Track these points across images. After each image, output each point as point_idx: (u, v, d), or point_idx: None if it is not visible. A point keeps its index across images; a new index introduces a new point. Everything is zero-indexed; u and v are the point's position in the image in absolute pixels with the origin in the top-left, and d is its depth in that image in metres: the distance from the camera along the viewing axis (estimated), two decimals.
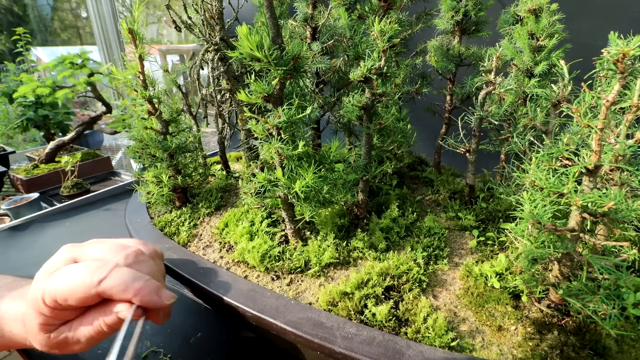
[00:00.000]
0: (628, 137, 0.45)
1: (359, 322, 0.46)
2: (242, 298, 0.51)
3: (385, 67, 0.54)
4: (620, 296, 0.42)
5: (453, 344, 0.42)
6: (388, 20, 0.52)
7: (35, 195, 1.22)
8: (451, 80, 0.75)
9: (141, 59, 0.65)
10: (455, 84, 0.74)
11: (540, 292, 0.43)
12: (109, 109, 1.52)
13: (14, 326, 0.48)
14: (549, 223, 0.39)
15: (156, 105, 0.69)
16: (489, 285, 0.49)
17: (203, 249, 0.64)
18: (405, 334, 0.44)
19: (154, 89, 0.68)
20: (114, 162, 1.72)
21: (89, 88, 1.45)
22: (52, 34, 3.02)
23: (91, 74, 1.44)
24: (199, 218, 0.72)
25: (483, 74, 0.59)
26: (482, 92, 0.60)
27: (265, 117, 0.48)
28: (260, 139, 0.51)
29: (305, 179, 0.49)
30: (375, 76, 0.54)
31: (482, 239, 0.58)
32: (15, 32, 1.96)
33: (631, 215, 0.38)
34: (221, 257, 0.61)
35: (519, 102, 0.61)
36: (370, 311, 0.46)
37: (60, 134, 1.73)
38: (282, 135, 0.48)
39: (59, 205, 1.19)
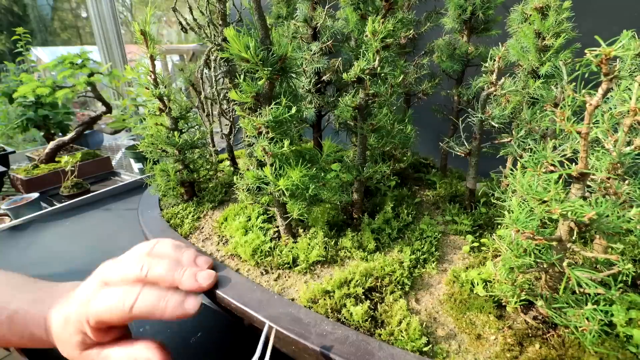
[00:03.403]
0: (629, 143, 0.42)
1: (335, 320, 0.46)
2: (229, 290, 0.53)
3: (379, 68, 0.53)
4: (609, 312, 0.40)
5: (425, 348, 0.41)
6: (381, 20, 0.51)
7: (35, 195, 1.21)
8: (458, 81, 0.73)
9: (152, 58, 0.69)
10: (463, 84, 0.72)
11: (516, 302, 0.42)
12: (109, 109, 1.53)
13: (35, 329, 0.53)
14: (528, 231, 0.37)
15: (166, 103, 0.72)
16: (474, 292, 0.48)
17: (202, 241, 0.67)
18: (380, 335, 0.44)
19: (165, 87, 0.72)
20: (114, 162, 1.72)
21: (89, 88, 1.46)
22: (52, 34, 3.01)
23: (91, 74, 1.44)
24: (203, 211, 0.75)
25: (484, 75, 0.57)
26: (483, 94, 0.59)
27: (254, 115, 0.49)
28: (250, 137, 0.52)
29: (291, 177, 0.50)
30: (367, 77, 0.54)
31: (476, 244, 0.57)
32: (15, 32, 1.93)
33: (620, 226, 0.36)
34: (217, 250, 0.64)
35: (524, 104, 0.58)
36: (348, 310, 0.46)
37: (60, 134, 1.71)
38: (270, 134, 0.50)
39: (59, 205, 1.18)
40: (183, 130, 0.77)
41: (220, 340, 0.64)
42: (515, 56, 0.59)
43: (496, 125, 0.57)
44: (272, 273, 0.56)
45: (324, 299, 0.48)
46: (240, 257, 0.60)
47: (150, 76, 0.70)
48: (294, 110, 0.47)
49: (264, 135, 0.50)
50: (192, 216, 0.73)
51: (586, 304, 0.40)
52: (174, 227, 0.72)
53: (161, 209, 0.80)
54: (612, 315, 0.40)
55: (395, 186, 0.71)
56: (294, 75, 0.50)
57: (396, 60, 0.56)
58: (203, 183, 0.83)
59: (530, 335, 0.43)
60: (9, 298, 0.54)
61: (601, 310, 0.39)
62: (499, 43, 0.59)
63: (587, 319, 0.37)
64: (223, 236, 0.66)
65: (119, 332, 0.53)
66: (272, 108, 0.48)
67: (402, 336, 0.42)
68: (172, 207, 0.79)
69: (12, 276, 0.59)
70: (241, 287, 0.54)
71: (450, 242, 0.60)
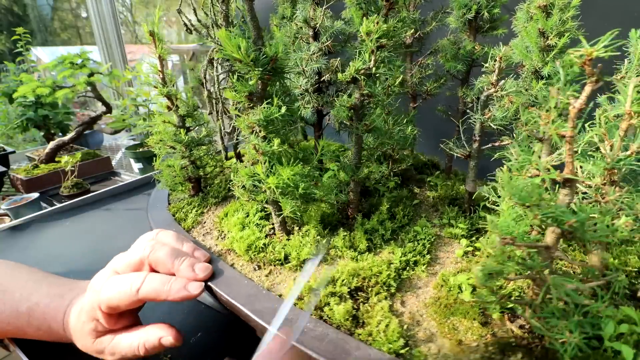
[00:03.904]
0: (627, 148, 0.40)
1: (318, 318, 0.47)
2: (221, 283, 0.55)
3: (374, 68, 0.53)
4: (597, 325, 0.38)
5: (403, 351, 0.41)
6: (376, 20, 0.51)
7: (35, 195, 1.21)
8: (463, 81, 0.71)
9: (161, 58, 0.72)
10: (467, 85, 0.71)
11: (495, 309, 0.41)
12: (109, 109, 1.53)
13: (52, 323, 0.55)
14: (508, 236, 0.36)
15: (174, 101, 0.75)
16: (461, 297, 0.47)
17: (203, 235, 0.69)
18: (359, 335, 0.44)
19: (173, 86, 0.75)
20: (114, 162, 1.72)
21: (89, 88, 1.46)
22: (52, 34, 2.95)
23: (91, 74, 1.44)
24: (207, 207, 0.77)
25: (483, 76, 0.56)
26: (483, 95, 0.57)
27: (246, 114, 0.51)
28: (245, 135, 0.54)
29: (281, 175, 0.51)
30: (362, 77, 0.54)
31: (470, 249, 0.55)
32: (15, 32, 1.92)
33: (606, 235, 0.34)
34: (216, 245, 0.66)
35: (520, 106, 0.56)
36: (331, 309, 0.47)
37: (60, 134, 1.70)
38: (262, 132, 0.51)
39: (59, 205, 1.17)
40: (190, 128, 0.80)
41: (220, 340, 0.64)
42: (519, 56, 0.57)
43: (495, 127, 0.55)
44: (264, 269, 0.57)
45: (310, 296, 0.49)
46: (236, 252, 0.62)
47: (159, 75, 0.73)
48: (283, 109, 0.48)
49: (255, 133, 0.51)
50: (196, 211, 0.76)
51: (573, 315, 0.38)
52: (178, 220, 0.75)
53: (169, 203, 0.84)
54: (599, 328, 0.38)
55: (395, 187, 0.71)
56: (286, 75, 0.51)
57: (393, 60, 0.56)
58: (209, 179, 0.86)
59: (514, 344, 0.41)
60: (31, 291, 0.57)
61: (589, 323, 0.37)
62: (500, 43, 0.58)
63: (569, 330, 0.35)
64: (222, 231, 0.68)
65: (129, 320, 0.55)
66: (264, 107, 0.49)
67: (380, 337, 0.42)
68: (179, 201, 0.82)
69: (34, 271, 0.62)
70: (232, 281, 0.55)
71: (444, 246, 0.59)
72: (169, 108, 0.76)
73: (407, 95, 0.82)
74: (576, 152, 0.41)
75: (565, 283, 0.35)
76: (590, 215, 0.38)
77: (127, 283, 0.50)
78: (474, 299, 0.45)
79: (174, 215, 0.77)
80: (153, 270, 0.54)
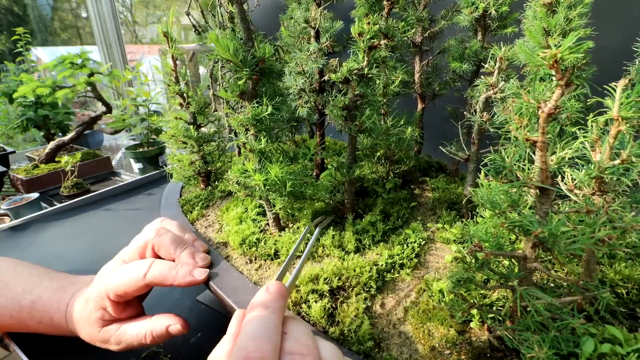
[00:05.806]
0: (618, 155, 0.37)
1: (295, 314, 0.48)
2: (213, 274, 0.57)
3: (366, 69, 0.53)
4: (577, 342, 0.36)
5: (372, 352, 0.41)
6: (368, 20, 0.51)
7: (35, 195, 1.21)
8: (470, 82, 0.69)
9: (174, 58, 0.76)
10: (474, 86, 0.68)
11: (460, 318, 0.39)
12: (109, 109, 1.53)
13: (55, 315, 0.56)
14: (476, 243, 0.35)
15: (186, 99, 0.79)
16: (441, 303, 0.46)
17: (205, 227, 0.72)
18: (332, 333, 0.44)
19: (185, 84, 0.79)
20: (114, 162, 1.71)
21: (89, 88, 1.45)
22: (52, 34, 2.90)
23: (91, 74, 1.44)
24: (212, 200, 0.81)
25: (482, 77, 0.54)
26: (482, 96, 0.55)
27: (237, 112, 0.52)
28: (237, 133, 0.56)
29: (270, 172, 0.52)
30: (354, 77, 0.54)
31: (460, 255, 0.54)
32: (15, 32, 1.91)
33: (579, 248, 0.32)
34: (215, 237, 0.68)
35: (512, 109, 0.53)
36: (309, 306, 0.47)
37: (60, 134, 1.69)
38: (252, 130, 0.52)
39: (59, 205, 1.17)
40: (201, 125, 0.83)
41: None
42: (524, 56, 0.55)
43: (491, 130, 0.53)
44: (255, 263, 0.59)
45: (291, 292, 0.50)
46: (231, 245, 0.64)
47: (172, 74, 0.77)
48: (269, 109, 0.49)
49: (246, 131, 0.53)
50: (202, 204, 0.79)
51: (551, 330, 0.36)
52: (185, 213, 0.79)
53: (181, 196, 0.88)
54: (577, 345, 0.36)
55: (394, 188, 0.70)
56: (280, 75, 0.52)
57: (387, 60, 0.55)
58: (218, 174, 0.89)
59: (488, 355, 0.40)
60: (33, 284, 0.59)
61: (566, 340, 0.35)
62: (509, 42, 0.55)
63: (539, 345, 0.34)
64: (222, 224, 0.71)
65: (135, 310, 0.57)
66: (253, 106, 0.51)
67: (351, 336, 0.42)
68: (189, 194, 0.86)
69: (36, 267, 0.64)
70: (223, 272, 0.57)
71: (436, 250, 0.57)
72: (181, 105, 0.80)
73: (413, 96, 0.80)
74: (567, 159, 0.39)
75: (537, 296, 0.34)
76: (578, 227, 0.36)
77: (134, 269, 0.52)
78: (446, 305, 0.44)
79: (182, 207, 0.81)
80: (156, 254, 0.56)
